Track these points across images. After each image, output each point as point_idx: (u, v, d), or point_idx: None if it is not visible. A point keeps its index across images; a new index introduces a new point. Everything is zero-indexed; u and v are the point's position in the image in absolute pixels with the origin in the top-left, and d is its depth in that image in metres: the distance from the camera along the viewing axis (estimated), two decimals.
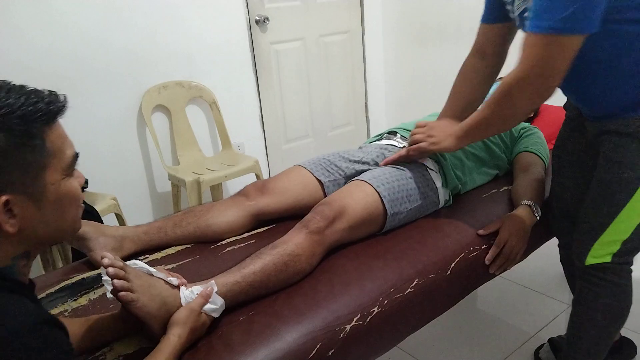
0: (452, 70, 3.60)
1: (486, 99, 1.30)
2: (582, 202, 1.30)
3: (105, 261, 0.93)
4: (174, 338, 0.95)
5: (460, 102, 1.48)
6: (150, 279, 1.00)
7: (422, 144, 1.42)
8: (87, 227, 1.30)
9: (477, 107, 1.45)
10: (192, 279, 1.25)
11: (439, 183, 1.52)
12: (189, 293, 1.03)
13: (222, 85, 2.89)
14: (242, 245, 1.41)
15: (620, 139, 1.15)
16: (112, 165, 2.60)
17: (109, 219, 2.17)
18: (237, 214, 1.45)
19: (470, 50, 1.47)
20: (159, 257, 1.36)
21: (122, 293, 0.92)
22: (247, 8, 2.92)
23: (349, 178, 1.54)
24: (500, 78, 1.45)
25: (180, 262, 1.33)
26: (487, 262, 1.36)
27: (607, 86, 1.15)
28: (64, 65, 2.36)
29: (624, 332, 1.82)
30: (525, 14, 1.14)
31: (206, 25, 2.78)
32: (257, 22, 2.98)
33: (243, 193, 1.51)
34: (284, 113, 3.24)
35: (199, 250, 1.39)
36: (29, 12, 2.23)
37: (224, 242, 1.43)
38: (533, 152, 1.70)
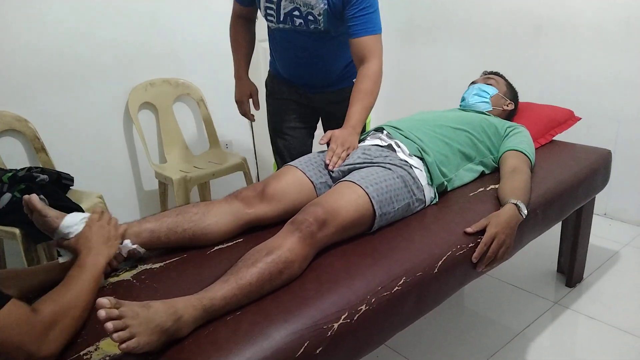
0: (441, 68, 3.63)
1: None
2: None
3: (102, 314, 0.90)
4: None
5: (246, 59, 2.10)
6: (147, 312, 0.95)
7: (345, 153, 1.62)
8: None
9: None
10: (179, 278, 1.25)
11: (424, 181, 1.53)
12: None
13: (209, 82, 2.87)
14: (230, 244, 1.40)
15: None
16: (99, 163, 2.58)
17: None
18: (235, 222, 1.41)
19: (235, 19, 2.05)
20: (146, 255, 1.35)
21: (123, 345, 0.90)
22: None
23: (335, 180, 1.55)
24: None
25: (168, 261, 1.32)
26: (474, 260, 1.37)
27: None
28: (50, 63, 2.33)
29: (622, 335, 1.85)
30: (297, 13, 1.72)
31: (194, 23, 2.76)
32: None
33: (241, 198, 1.44)
34: None
35: (186, 249, 1.38)
36: (13, 9, 2.19)
37: None
38: (519, 151, 1.72)
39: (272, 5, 1.76)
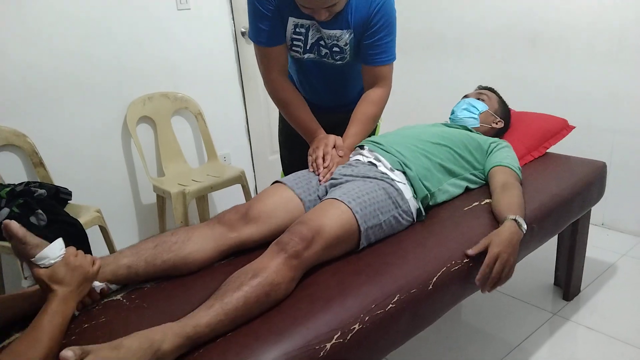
0: (435, 82, 3.63)
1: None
2: None
3: None
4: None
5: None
6: (118, 355, 0.91)
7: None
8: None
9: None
10: (170, 298, 1.24)
11: (408, 194, 1.51)
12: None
13: (207, 96, 2.89)
14: (223, 262, 1.39)
15: None
16: (97, 177, 2.59)
17: (93, 231, 2.16)
18: (217, 248, 1.36)
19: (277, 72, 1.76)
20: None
21: None
22: (233, 20, 2.93)
23: (319, 197, 1.54)
24: None
25: (158, 281, 1.30)
26: (477, 283, 1.35)
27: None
28: (48, 78, 2.35)
29: (622, 346, 1.84)
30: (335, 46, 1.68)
31: (192, 37, 2.78)
32: (242, 33, 2.98)
33: (223, 222, 1.40)
34: (269, 124, 3.24)
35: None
36: (9, 26, 2.21)
37: None
38: (506, 166, 1.70)
39: (301, 37, 1.68)
